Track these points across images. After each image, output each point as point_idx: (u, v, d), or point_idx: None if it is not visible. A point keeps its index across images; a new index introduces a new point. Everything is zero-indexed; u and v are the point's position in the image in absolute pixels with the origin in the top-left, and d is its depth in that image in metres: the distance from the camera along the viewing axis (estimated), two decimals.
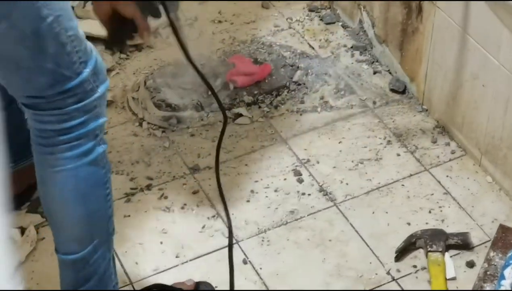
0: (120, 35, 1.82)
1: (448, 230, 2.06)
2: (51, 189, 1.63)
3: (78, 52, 1.52)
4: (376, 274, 2.00)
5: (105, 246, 1.72)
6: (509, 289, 1.87)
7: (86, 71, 1.53)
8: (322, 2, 2.81)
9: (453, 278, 1.97)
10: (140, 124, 2.39)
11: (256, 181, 2.22)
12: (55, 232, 1.71)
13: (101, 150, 1.62)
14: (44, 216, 2.05)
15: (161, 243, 2.08)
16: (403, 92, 2.47)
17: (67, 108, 1.53)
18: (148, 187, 2.21)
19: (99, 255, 1.71)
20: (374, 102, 2.45)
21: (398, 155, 2.29)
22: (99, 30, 2.04)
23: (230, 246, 1.85)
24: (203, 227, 2.11)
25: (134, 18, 1.78)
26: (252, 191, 2.19)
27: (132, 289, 1.98)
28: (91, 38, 2.57)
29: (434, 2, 2.22)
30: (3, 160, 0.61)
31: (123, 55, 2.62)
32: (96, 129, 1.59)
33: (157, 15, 1.93)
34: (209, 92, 2.46)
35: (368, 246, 2.06)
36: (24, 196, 2.18)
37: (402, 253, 2.03)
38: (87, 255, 1.69)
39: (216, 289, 1.96)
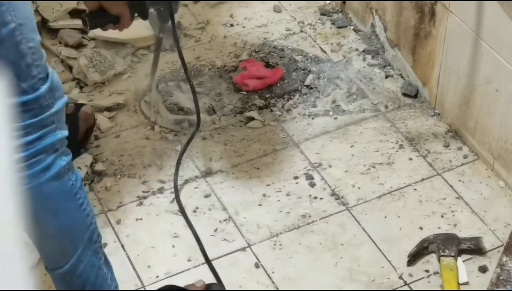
0: (100, 20, 1.83)
1: (461, 235, 2.05)
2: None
3: (38, 67, 1.49)
4: (388, 278, 1.99)
5: (89, 254, 1.70)
6: None
7: (44, 88, 1.50)
8: (334, 6, 2.81)
9: (466, 283, 1.97)
10: (152, 128, 2.39)
11: (268, 185, 2.22)
12: (38, 248, 1.70)
13: (63, 163, 1.58)
14: None
15: (173, 246, 2.08)
16: (415, 96, 2.47)
17: (23, 123, 1.49)
18: (160, 190, 2.21)
19: (86, 264, 1.70)
20: (386, 106, 2.45)
21: (410, 159, 2.28)
22: (125, 34, 2.06)
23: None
24: (215, 230, 2.11)
25: (121, 15, 1.80)
26: (264, 195, 2.19)
27: None
28: (117, 43, 2.60)
29: (447, 6, 2.22)
30: (13, 161, 0.61)
31: (135, 59, 2.62)
32: (55, 143, 1.55)
33: (144, 16, 1.95)
34: (221, 96, 2.47)
35: (380, 250, 2.05)
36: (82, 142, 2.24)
37: (414, 257, 2.02)
38: (72, 267, 1.69)
39: None
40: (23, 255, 0.63)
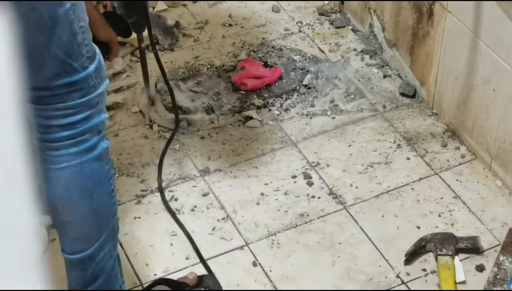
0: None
1: (458, 234, 2.06)
2: (56, 186, 1.63)
3: (87, 46, 1.55)
4: (386, 277, 2.00)
5: (111, 243, 1.73)
6: None
7: (92, 67, 1.56)
8: (332, 6, 2.81)
9: (463, 282, 1.98)
10: (151, 127, 2.40)
11: (266, 184, 2.23)
12: (61, 231, 1.71)
13: (105, 145, 1.64)
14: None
15: (171, 244, 2.08)
16: (413, 96, 2.47)
17: (73, 102, 1.55)
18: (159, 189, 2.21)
19: (106, 252, 1.72)
20: (384, 106, 2.45)
21: (408, 158, 2.29)
22: None
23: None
24: (213, 229, 2.12)
25: (109, 41, 1.85)
26: (262, 194, 2.20)
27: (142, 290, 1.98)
28: None
29: (445, 6, 2.23)
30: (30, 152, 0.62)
31: (133, 58, 2.63)
32: (99, 125, 1.61)
33: (128, 32, 2.03)
34: (219, 96, 2.48)
35: (377, 249, 2.06)
36: None
37: (412, 256, 2.03)
38: (94, 252, 1.70)
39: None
40: (36, 247, 0.64)
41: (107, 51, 1.89)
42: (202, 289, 1.92)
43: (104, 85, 1.60)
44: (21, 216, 0.62)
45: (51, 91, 1.54)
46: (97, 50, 1.60)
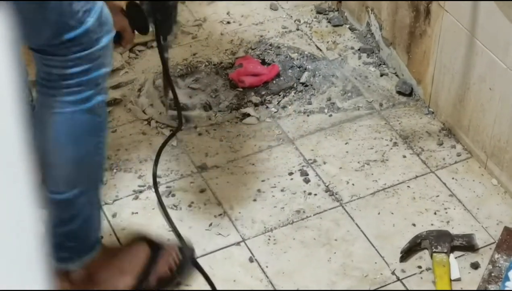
0: None
1: (453, 232, 2.07)
2: (47, 129, 1.68)
3: (80, 1, 1.55)
4: (381, 274, 2.01)
5: (92, 192, 1.79)
6: None
7: (90, 20, 1.57)
8: (330, 4, 2.83)
9: (458, 279, 1.99)
10: (149, 123, 2.41)
11: (263, 181, 2.24)
12: (43, 169, 1.76)
13: (100, 98, 1.67)
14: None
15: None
16: (409, 94, 2.49)
17: (71, 56, 1.58)
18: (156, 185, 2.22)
19: (85, 200, 1.78)
20: (381, 104, 2.47)
21: (404, 156, 2.30)
22: None
23: None
24: (210, 225, 2.13)
25: (122, 31, 1.87)
26: (259, 190, 2.21)
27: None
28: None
29: (442, 5, 2.24)
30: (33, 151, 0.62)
31: (132, 54, 2.64)
32: (98, 78, 1.64)
33: (145, 31, 2.00)
34: (217, 93, 2.49)
35: (373, 246, 2.07)
36: None
37: (407, 253, 2.04)
38: (72, 197, 1.76)
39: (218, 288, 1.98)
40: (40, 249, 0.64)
41: (119, 37, 1.90)
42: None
43: (107, 38, 1.62)
44: (22, 214, 0.63)
45: (51, 47, 1.58)
46: (99, 3, 1.61)
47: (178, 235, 2.07)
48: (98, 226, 1.88)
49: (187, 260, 2.00)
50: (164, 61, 2.15)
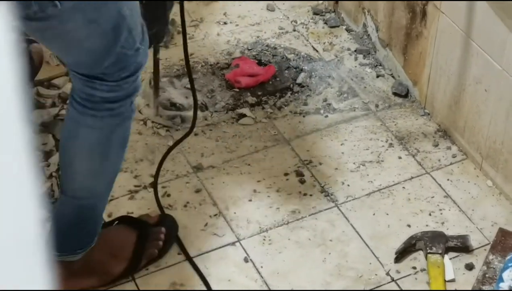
0: None
1: (448, 233, 2.07)
2: (82, 144, 1.75)
3: (139, 32, 1.65)
4: (376, 274, 2.02)
5: (107, 194, 1.87)
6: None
7: (142, 48, 1.66)
8: (326, 5, 2.83)
9: (452, 280, 1.99)
10: (145, 123, 2.41)
11: (259, 181, 2.24)
12: (70, 178, 1.81)
13: (133, 115, 1.77)
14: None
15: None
16: (405, 96, 2.49)
17: (120, 81, 1.66)
18: (152, 185, 2.22)
19: (103, 203, 1.87)
20: (377, 106, 2.47)
21: (400, 157, 2.31)
22: None
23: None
24: (205, 225, 2.13)
25: None
26: (254, 191, 2.21)
27: (134, 284, 2.00)
28: None
29: (438, 7, 2.24)
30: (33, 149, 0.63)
31: None
32: (133, 97, 1.73)
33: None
34: (213, 93, 2.49)
35: (368, 247, 2.08)
36: None
37: (402, 254, 2.04)
38: (93, 202, 1.84)
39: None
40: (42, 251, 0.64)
41: None
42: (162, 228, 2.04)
43: (145, 61, 1.71)
44: (25, 216, 0.63)
45: (104, 74, 1.64)
46: (144, 27, 1.68)
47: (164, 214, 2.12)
48: (102, 220, 1.93)
49: (173, 239, 2.06)
50: (156, 62, 2.28)
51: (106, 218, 2.13)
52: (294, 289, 1.98)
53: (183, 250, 2.05)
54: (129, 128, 1.78)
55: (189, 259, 2.03)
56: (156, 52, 2.29)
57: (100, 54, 1.61)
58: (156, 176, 2.19)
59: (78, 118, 1.72)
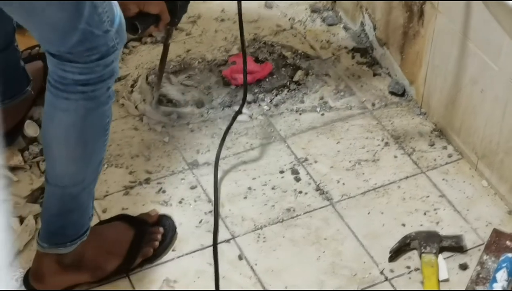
0: (146, 22, 1.98)
1: (443, 232, 2.08)
2: (57, 127, 1.74)
3: (107, 12, 1.63)
4: (370, 273, 2.02)
5: (92, 186, 1.85)
6: None
7: (112, 30, 1.65)
8: (324, 4, 2.83)
9: (446, 280, 1.99)
10: (141, 119, 2.41)
11: (254, 178, 2.24)
12: (50, 164, 1.81)
13: (110, 101, 1.75)
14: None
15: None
16: (402, 95, 2.49)
17: (91, 63, 1.65)
18: (147, 181, 2.23)
19: (86, 193, 1.84)
20: (373, 104, 2.47)
21: (395, 156, 2.31)
22: None
23: None
24: (200, 221, 2.13)
25: (161, 13, 1.95)
26: (249, 188, 2.21)
27: (127, 280, 2.00)
28: None
29: (435, 6, 2.24)
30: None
31: (125, 50, 2.64)
32: (109, 82, 1.71)
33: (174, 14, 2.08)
34: (210, 90, 2.49)
35: (362, 245, 2.08)
36: (15, 132, 2.29)
37: (396, 253, 2.05)
38: (76, 191, 1.82)
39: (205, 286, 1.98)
40: (7, 243, 0.64)
41: (157, 20, 1.96)
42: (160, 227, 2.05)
43: (121, 44, 1.70)
44: None
45: (71, 54, 1.64)
46: (118, 9, 1.67)
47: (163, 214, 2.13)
48: (92, 212, 1.91)
49: (171, 240, 2.07)
50: (166, 48, 2.30)
51: (101, 214, 2.13)
52: (288, 287, 1.99)
53: None
54: (107, 115, 1.76)
55: (214, 246, 2.05)
56: (168, 37, 2.29)
57: (63, 29, 1.60)
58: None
59: (54, 101, 1.72)
